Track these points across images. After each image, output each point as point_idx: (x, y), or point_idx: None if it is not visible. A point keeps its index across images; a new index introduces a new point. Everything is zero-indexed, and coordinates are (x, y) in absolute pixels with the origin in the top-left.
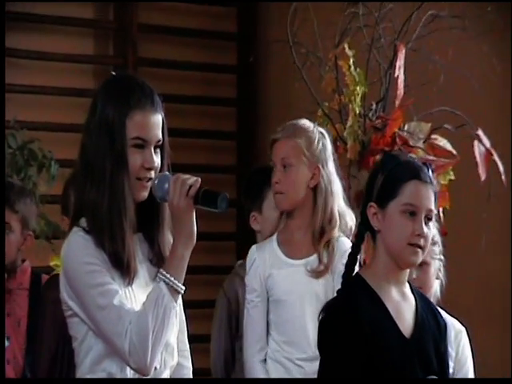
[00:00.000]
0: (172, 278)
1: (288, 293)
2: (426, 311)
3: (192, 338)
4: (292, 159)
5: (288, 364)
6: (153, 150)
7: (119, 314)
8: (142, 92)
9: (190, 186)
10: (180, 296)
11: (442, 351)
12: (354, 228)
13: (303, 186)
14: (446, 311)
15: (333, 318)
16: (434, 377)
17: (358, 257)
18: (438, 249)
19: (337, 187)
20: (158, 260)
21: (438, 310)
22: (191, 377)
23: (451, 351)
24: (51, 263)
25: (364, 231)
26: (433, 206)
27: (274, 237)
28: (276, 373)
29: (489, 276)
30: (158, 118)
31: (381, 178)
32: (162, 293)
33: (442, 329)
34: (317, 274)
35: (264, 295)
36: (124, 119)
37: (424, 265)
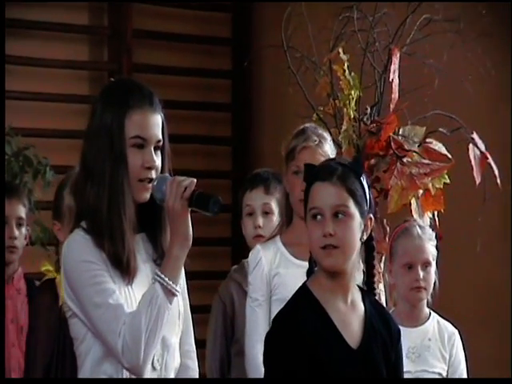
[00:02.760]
0: (167, 279)
1: None
2: (376, 318)
3: None
4: None
5: None
6: (153, 150)
7: (115, 314)
8: (141, 93)
9: (186, 188)
10: (183, 297)
11: (392, 359)
12: None
13: None
14: (439, 314)
15: (275, 331)
16: None
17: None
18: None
19: None
20: (162, 261)
21: (390, 316)
22: (197, 377)
23: (445, 354)
24: (42, 268)
25: None
26: (342, 201)
27: (278, 238)
28: None
29: (484, 279)
30: (157, 118)
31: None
32: (157, 293)
33: (393, 336)
34: None
35: (268, 294)
36: (123, 119)
37: (428, 266)
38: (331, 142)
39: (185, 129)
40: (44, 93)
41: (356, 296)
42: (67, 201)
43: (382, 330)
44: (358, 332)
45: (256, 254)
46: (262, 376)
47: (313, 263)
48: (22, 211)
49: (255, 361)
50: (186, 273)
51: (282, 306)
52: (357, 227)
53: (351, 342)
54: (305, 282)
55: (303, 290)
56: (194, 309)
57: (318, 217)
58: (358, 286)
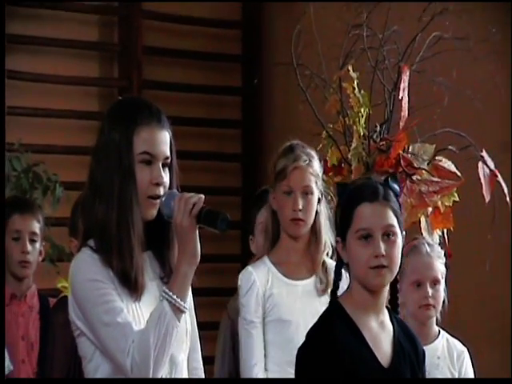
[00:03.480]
0: (175, 297)
1: (291, 312)
2: (403, 338)
3: None
4: (313, 186)
5: None
6: (161, 167)
7: (123, 332)
8: (149, 110)
9: (194, 205)
10: (190, 314)
11: (419, 377)
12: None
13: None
14: (448, 332)
15: (310, 347)
16: None
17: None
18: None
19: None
20: (169, 279)
21: (416, 336)
22: None
23: (454, 372)
24: (59, 285)
25: (340, 267)
26: (391, 221)
27: (266, 258)
28: None
29: (493, 297)
30: (165, 135)
31: (338, 212)
32: (165, 311)
33: (419, 355)
34: (319, 293)
35: (262, 316)
36: (131, 136)
37: (437, 283)
38: (318, 160)
39: (195, 145)
40: (54, 109)
41: (386, 315)
42: None
43: (410, 350)
44: (388, 351)
45: (249, 276)
46: None
47: (338, 284)
48: (36, 227)
49: None
50: (195, 289)
51: (277, 326)
52: (400, 246)
53: (382, 360)
54: (335, 298)
55: (335, 307)
56: (203, 325)
57: (368, 237)
58: (386, 306)
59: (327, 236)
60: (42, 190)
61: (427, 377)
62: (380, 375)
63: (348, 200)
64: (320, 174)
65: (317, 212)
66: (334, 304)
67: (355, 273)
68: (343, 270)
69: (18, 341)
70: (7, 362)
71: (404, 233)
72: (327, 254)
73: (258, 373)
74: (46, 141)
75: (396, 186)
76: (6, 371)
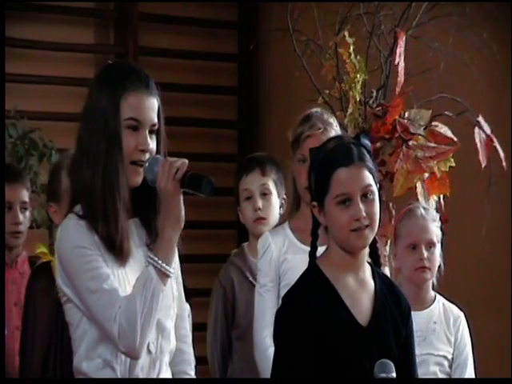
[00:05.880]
0: (160, 262)
1: None
2: (386, 296)
3: (192, 327)
4: None
5: None
6: (147, 134)
7: (110, 299)
8: (137, 76)
9: (178, 169)
10: (177, 281)
11: (403, 335)
12: None
13: None
14: (444, 297)
15: (286, 308)
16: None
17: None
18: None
19: None
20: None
21: (400, 291)
22: (192, 361)
23: (450, 337)
24: (37, 251)
25: (317, 228)
26: (368, 181)
27: (286, 224)
28: None
29: (489, 262)
30: (152, 102)
31: (313, 177)
32: (151, 276)
33: (404, 312)
34: None
35: (277, 280)
36: (118, 101)
37: (432, 246)
38: (337, 128)
39: (190, 112)
40: (50, 76)
41: (367, 273)
42: (65, 183)
43: (392, 307)
44: (367, 309)
45: (265, 241)
46: (269, 361)
47: (316, 246)
48: (26, 195)
49: (262, 346)
50: (191, 256)
51: None
52: (378, 202)
53: (361, 319)
54: (313, 260)
55: (313, 269)
56: (201, 292)
57: (347, 202)
58: (369, 262)
59: None
60: (37, 156)
61: (423, 342)
62: (358, 333)
63: (323, 165)
64: None
65: None
66: (312, 265)
67: (336, 236)
68: None
69: (10, 307)
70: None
71: (378, 185)
72: None
73: (267, 335)
74: (41, 107)
75: (367, 142)
76: None
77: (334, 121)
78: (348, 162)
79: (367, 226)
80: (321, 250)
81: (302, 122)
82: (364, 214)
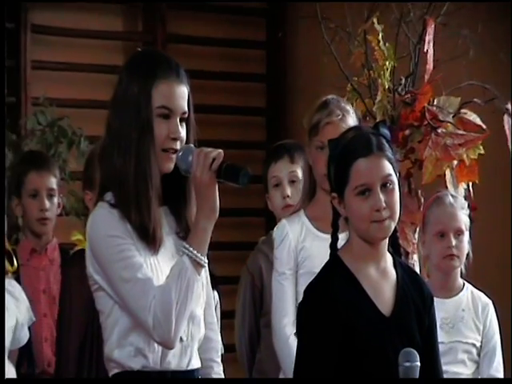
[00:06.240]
0: (195, 252)
1: (321, 265)
2: (408, 285)
3: (221, 314)
4: None
5: None
6: (178, 121)
7: (143, 288)
8: (168, 64)
9: (213, 159)
10: (205, 269)
11: (426, 324)
12: None
13: None
14: (472, 285)
15: (308, 301)
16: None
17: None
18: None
19: None
20: (185, 233)
21: (422, 280)
22: (219, 348)
23: (479, 324)
24: (73, 238)
25: (337, 219)
26: (387, 171)
27: (301, 212)
28: None
29: None
30: (183, 90)
31: (332, 168)
32: (185, 266)
33: (426, 301)
34: None
35: (295, 268)
36: (150, 89)
37: (460, 234)
38: (354, 115)
39: (219, 99)
40: (78, 63)
41: (388, 263)
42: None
43: (415, 296)
44: (390, 299)
45: (282, 228)
46: (290, 349)
47: (337, 237)
48: (53, 182)
49: (282, 334)
50: (219, 243)
51: (309, 279)
52: (398, 191)
53: (383, 309)
54: (335, 251)
55: (334, 260)
56: (229, 279)
57: (366, 193)
58: (390, 252)
59: None
60: (66, 144)
61: (451, 330)
62: (381, 324)
63: (342, 156)
64: None
65: None
66: (333, 257)
67: (356, 227)
68: None
69: (39, 294)
70: (30, 314)
71: (398, 174)
72: None
73: (287, 324)
74: (70, 95)
75: (386, 131)
76: (30, 322)
77: (350, 108)
78: (367, 153)
79: (387, 218)
80: (341, 237)
81: (320, 108)
82: (384, 204)
